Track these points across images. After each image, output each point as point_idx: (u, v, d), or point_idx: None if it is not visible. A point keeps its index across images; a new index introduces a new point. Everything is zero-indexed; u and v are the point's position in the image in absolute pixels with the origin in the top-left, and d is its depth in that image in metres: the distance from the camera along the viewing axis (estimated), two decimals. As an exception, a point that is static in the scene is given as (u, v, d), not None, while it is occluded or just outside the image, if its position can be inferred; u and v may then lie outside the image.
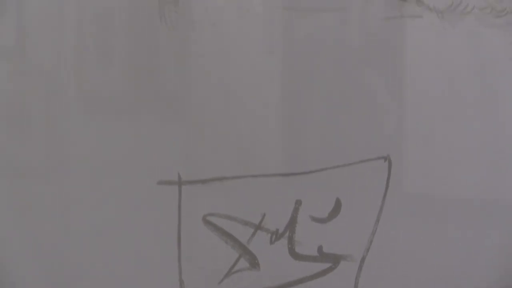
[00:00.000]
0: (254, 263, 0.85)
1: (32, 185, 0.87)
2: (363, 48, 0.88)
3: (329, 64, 0.88)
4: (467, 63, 0.86)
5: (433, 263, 0.88)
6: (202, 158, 0.88)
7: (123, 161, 0.87)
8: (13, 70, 0.87)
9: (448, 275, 0.88)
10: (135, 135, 0.87)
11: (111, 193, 0.87)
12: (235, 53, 0.88)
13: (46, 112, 0.87)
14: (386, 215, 0.86)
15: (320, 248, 0.85)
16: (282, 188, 0.87)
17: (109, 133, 0.87)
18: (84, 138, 0.87)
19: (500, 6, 0.85)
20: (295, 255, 0.86)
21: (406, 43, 0.87)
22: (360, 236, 0.86)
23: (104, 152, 0.87)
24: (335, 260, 0.85)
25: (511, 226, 0.88)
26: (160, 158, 0.87)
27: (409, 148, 0.86)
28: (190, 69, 0.88)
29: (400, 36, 0.87)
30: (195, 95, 0.88)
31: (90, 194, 0.87)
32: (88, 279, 0.89)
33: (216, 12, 0.87)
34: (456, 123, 0.87)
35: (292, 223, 0.85)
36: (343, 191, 0.86)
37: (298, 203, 0.85)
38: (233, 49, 0.88)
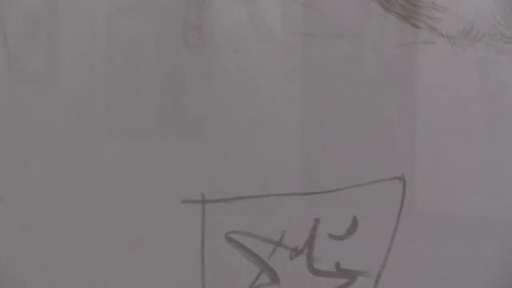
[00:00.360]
0: (274, 279, 0.86)
1: (62, 205, 0.89)
2: (378, 73, 0.88)
3: (345, 88, 0.88)
4: (477, 87, 0.87)
5: (445, 276, 0.89)
6: (225, 177, 0.89)
7: (149, 180, 0.88)
8: (46, 94, 0.89)
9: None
10: (160, 155, 0.88)
11: (137, 211, 0.88)
12: (256, 78, 0.88)
13: (76, 134, 0.89)
14: (400, 233, 0.87)
15: (337, 264, 0.86)
16: (301, 207, 0.88)
17: (136, 153, 0.89)
18: (113, 158, 0.88)
19: (509, 33, 0.85)
20: (314, 271, 0.87)
21: (420, 68, 0.87)
22: (376, 252, 0.87)
23: (132, 171, 0.89)
24: (352, 275, 0.86)
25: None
26: (185, 177, 0.88)
27: (422, 169, 0.87)
28: (212, 93, 0.89)
29: (413, 61, 0.87)
30: (217, 117, 0.89)
31: (117, 212, 0.89)
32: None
33: (238, 39, 0.88)
34: (466, 145, 0.87)
35: (310, 240, 0.87)
36: (360, 210, 0.87)
37: (317, 221, 0.86)
38: (253, 74, 0.88)
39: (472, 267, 0.89)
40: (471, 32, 0.86)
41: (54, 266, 0.90)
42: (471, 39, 0.85)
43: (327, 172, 0.89)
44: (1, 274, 0.90)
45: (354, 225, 0.86)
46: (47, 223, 0.89)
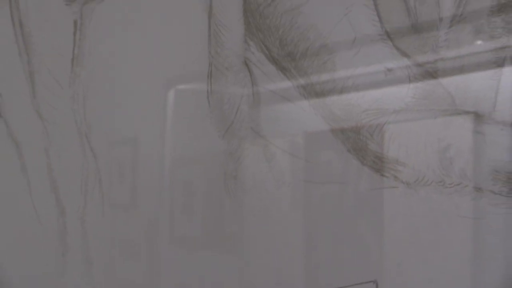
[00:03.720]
0: None
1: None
2: (356, 207, 0.92)
3: (334, 217, 0.93)
4: (427, 217, 0.89)
5: None
6: (252, 280, 0.95)
7: (197, 281, 0.95)
8: (129, 219, 0.95)
9: None
10: (205, 263, 0.95)
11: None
12: (273, 210, 0.95)
13: (148, 246, 0.96)
14: (375, 321, 0.91)
15: None
16: (305, 302, 0.95)
17: (190, 261, 0.95)
18: (173, 264, 0.96)
19: (449, 180, 0.87)
20: None
21: (386, 204, 0.90)
22: None
23: (185, 274, 0.95)
24: None
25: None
26: (222, 280, 0.95)
27: (390, 275, 0.90)
28: (243, 221, 0.96)
29: (381, 199, 0.90)
30: (246, 237, 0.96)
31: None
32: None
33: (261, 184, 0.95)
34: (421, 257, 0.89)
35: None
36: (345, 305, 0.93)
37: (317, 312, 0.94)
38: (271, 208, 0.95)
39: None
40: (423, 180, 0.89)
41: None
42: (423, 185, 0.88)
43: (323, 276, 0.93)
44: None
45: (342, 317, 0.91)
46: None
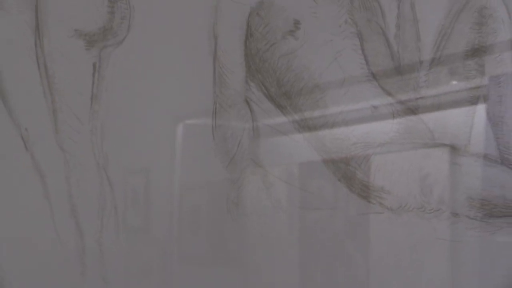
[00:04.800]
0: None
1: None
2: (346, 231, 0.95)
3: (325, 239, 0.97)
4: (409, 240, 0.93)
5: None
6: None
7: None
8: (142, 239, 0.96)
9: None
10: (211, 280, 0.97)
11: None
12: (271, 232, 0.98)
13: (159, 264, 0.97)
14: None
15: None
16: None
17: (195, 275, 0.97)
18: (181, 279, 0.97)
19: (429, 207, 0.91)
20: None
21: (372, 228, 0.94)
22: None
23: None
24: None
25: None
26: None
27: None
28: (244, 242, 0.98)
29: (368, 224, 0.94)
30: (247, 257, 0.99)
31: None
32: None
33: (260, 210, 0.97)
34: (403, 275, 0.92)
35: None
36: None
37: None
38: (269, 230, 0.98)
39: None
40: (405, 207, 0.93)
41: None
42: (405, 210, 0.92)
43: (316, 292, 0.99)
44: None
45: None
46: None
